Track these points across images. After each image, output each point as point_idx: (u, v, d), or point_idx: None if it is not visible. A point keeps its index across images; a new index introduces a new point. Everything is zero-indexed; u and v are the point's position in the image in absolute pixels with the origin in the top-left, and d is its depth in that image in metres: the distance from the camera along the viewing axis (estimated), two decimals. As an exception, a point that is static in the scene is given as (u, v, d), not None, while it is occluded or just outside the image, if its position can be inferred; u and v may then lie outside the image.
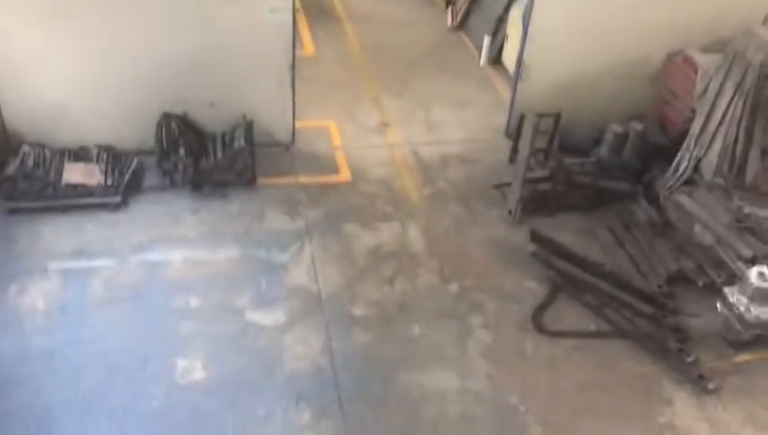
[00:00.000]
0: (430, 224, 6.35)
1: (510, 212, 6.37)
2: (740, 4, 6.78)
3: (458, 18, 9.55)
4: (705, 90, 6.15)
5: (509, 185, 6.42)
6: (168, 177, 6.38)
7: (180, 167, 6.29)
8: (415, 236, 6.21)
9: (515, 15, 8.12)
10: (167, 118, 6.41)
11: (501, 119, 7.53)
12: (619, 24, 6.89)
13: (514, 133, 6.93)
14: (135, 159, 6.44)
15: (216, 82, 6.56)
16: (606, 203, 6.50)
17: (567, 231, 6.28)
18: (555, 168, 6.46)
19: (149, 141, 6.47)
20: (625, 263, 5.96)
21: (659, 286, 5.64)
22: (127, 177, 6.30)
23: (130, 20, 6.10)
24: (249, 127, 6.51)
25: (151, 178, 6.46)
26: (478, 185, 6.84)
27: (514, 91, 7.25)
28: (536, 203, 6.42)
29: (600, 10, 6.84)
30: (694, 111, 6.42)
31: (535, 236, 6.01)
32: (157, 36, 6.21)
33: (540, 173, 6.54)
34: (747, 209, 5.76)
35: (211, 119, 6.65)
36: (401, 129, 7.60)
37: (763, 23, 6.66)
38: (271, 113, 6.82)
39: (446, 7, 9.88)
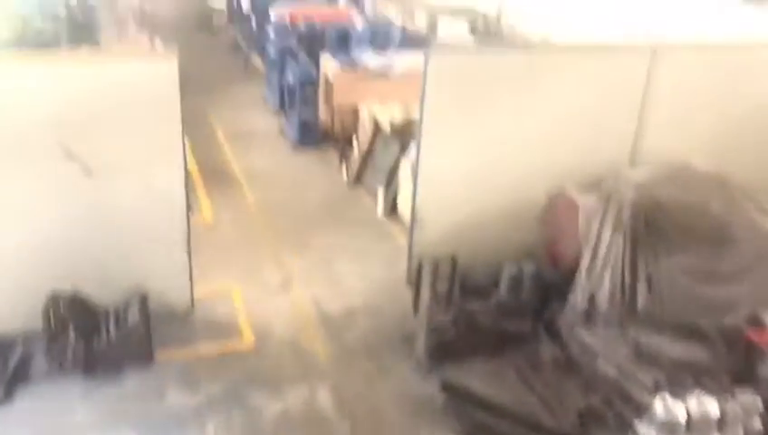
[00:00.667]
0: (340, 383, 6.19)
1: (418, 362, 6.31)
2: (607, 146, 7.36)
3: (353, 173, 9.90)
4: (589, 228, 6.49)
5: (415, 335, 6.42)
6: (57, 361, 6.01)
7: (70, 350, 5.95)
8: (324, 398, 6.01)
9: (405, 167, 8.50)
10: (54, 298, 6.12)
11: (401, 267, 7.65)
12: (502, 167, 7.28)
13: (415, 281, 7.02)
14: (20, 346, 6.06)
15: (107, 254, 6.39)
16: (511, 343, 6.57)
17: (477, 376, 6.26)
18: (457, 313, 6.53)
19: (36, 321, 6.12)
20: (535, 403, 5.95)
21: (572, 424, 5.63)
22: (11, 366, 5.88)
23: (9, 190, 5.92)
24: (143, 300, 6.30)
25: (39, 364, 6.06)
26: (386, 337, 6.80)
27: (411, 239, 7.41)
28: (444, 350, 6.41)
29: (482, 156, 7.22)
30: (581, 247, 6.73)
31: (446, 386, 5.94)
32: (40, 208, 6.04)
33: (443, 319, 6.58)
34: (643, 339, 5.94)
35: (103, 293, 6.40)
36: (304, 286, 7.57)
37: (629, 163, 7.23)
38: (167, 283, 6.65)
39: (341, 163, 10.25)
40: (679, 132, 7.43)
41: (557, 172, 7.31)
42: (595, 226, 6.42)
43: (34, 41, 10.86)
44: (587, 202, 6.78)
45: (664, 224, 6.24)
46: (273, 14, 13.92)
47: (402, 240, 8.33)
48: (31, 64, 6.02)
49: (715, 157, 7.24)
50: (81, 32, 12.82)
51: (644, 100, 7.26)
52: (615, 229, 6.21)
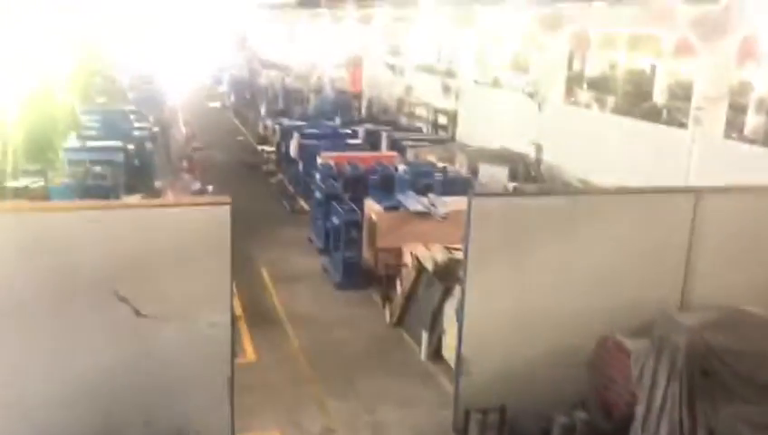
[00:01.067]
0: None
1: None
2: (655, 289, 7.23)
3: (396, 315, 9.86)
4: (641, 375, 6.26)
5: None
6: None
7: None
8: None
9: (450, 310, 8.44)
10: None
11: (447, 415, 7.40)
12: (549, 312, 7.18)
13: (462, 430, 6.76)
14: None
15: (151, 395, 6.34)
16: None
17: None
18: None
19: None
20: None
21: None
22: None
23: (50, 330, 5.98)
24: (185, 446, 6.17)
25: None
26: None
27: (457, 386, 7.22)
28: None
29: (528, 300, 7.15)
30: (634, 394, 6.47)
31: None
32: (84, 352, 6.06)
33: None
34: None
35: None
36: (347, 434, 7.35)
37: (680, 306, 7.07)
38: (209, 427, 6.54)
39: (384, 305, 10.25)
40: (730, 276, 7.28)
41: (605, 316, 7.17)
42: (648, 373, 6.19)
43: (94, 186, 11.45)
44: (638, 348, 6.58)
45: (721, 371, 5.99)
46: (320, 159, 14.53)
47: (447, 386, 8.12)
48: (89, 211, 6.31)
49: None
50: (138, 177, 13.52)
51: (691, 243, 7.20)
52: (670, 377, 5.98)
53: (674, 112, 20.44)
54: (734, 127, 18.85)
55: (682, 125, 12.85)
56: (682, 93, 23.20)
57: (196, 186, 13.28)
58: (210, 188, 12.89)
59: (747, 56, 20.91)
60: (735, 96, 20.62)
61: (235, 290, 7.48)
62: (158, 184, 14.27)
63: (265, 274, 11.83)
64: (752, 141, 17.99)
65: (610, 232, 7.10)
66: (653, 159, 12.02)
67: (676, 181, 10.82)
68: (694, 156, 11.09)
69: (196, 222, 6.35)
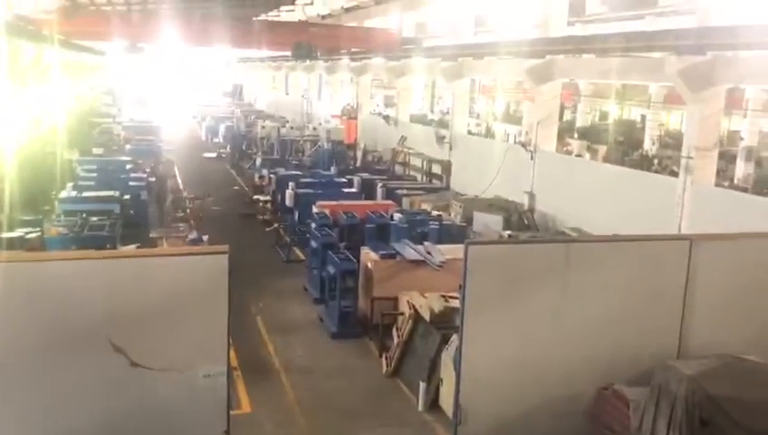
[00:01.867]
0: None
1: None
2: (653, 336, 7.22)
3: (392, 364, 9.79)
4: (641, 424, 6.22)
5: None
6: None
7: None
8: None
9: (447, 359, 8.39)
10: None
11: (446, 467, 7.31)
12: (547, 361, 7.14)
13: (461, 483, 6.66)
14: None
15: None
16: None
17: None
18: None
19: None
20: None
21: None
22: None
23: (44, 381, 5.88)
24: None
25: None
26: None
27: (455, 436, 7.15)
28: None
29: (525, 348, 7.13)
30: (634, 446, 6.41)
31: None
32: (78, 402, 5.98)
33: None
34: None
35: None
36: (343, 487, 7.23)
37: (678, 354, 7.05)
38: (204, 480, 6.42)
39: (380, 355, 10.18)
40: (726, 323, 7.29)
41: (603, 365, 7.14)
42: (647, 422, 6.16)
43: (90, 236, 11.47)
44: (637, 397, 6.55)
45: (720, 421, 5.96)
46: (315, 208, 14.61)
47: (445, 436, 8.03)
48: (86, 261, 6.30)
49: (766, 349, 7.05)
50: (134, 227, 13.56)
51: (686, 290, 7.22)
52: (669, 426, 5.94)
53: (664, 161, 20.78)
54: (724, 175, 19.16)
55: (673, 173, 13.03)
56: (672, 143, 23.63)
57: (192, 235, 13.29)
58: (206, 237, 12.91)
59: (734, 107, 21.35)
60: (725, 145, 20.99)
61: (230, 340, 7.43)
62: (153, 234, 14.31)
63: (261, 323, 11.76)
64: (742, 189, 18.26)
65: (606, 280, 7.13)
66: (645, 207, 12.13)
67: (669, 229, 10.92)
68: (686, 204, 11.21)
69: (194, 271, 6.35)
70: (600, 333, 7.14)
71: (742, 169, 20.93)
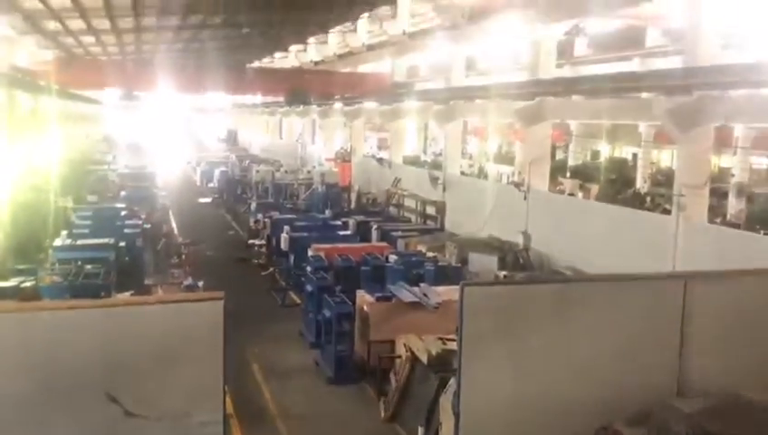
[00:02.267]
0: None
1: None
2: (651, 375, 7.18)
3: (391, 409, 9.68)
4: (642, 465, 6.13)
5: None
6: None
7: None
8: None
9: (445, 403, 8.31)
10: None
11: None
12: (546, 402, 7.06)
13: None
14: None
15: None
16: None
17: None
18: None
19: None
20: None
21: None
22: None
23: (38, 432, 5.81)
24: None
25: None
26: None
27: (456, 482, 7.03)
28: None
29: (524, 390, 7.04)
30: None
31: None
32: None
33: None
34: None
35: None
36: None
37: (676, 392, 7.00)
38: None
39: (378, 399, 10.07)
40: (723, 359, 7.25)
41: (602, 404, 7.07)
42: (650, 463, 6.08)
43: (85, 284, 11.41)
44: (637, 436, 6.48)
45: (722, 459, 5.89)
46: (311, 251, 14.60)
47: (445, 481, 7.89)
48: (80, 310, 6.27)
49: (766, 386, 7.01)
50: (129, 274, 13.50)
51: (683, 328, 7.20)
52: (671, 467, 5.86)
53: (657, 199, 20.93)
54: (717, 212, 19.29)
55: (665, 211, 13.11)
56: (664, 180, 23.84)
57: (187, 281, 13.26)
58: (201, 283, 12.87)
59: (724, 144, 21.61)
60: (717, 182, 21.20)
61: (226, 387, 7.37)
62: (148, 281, 14.26)
63: (256, 369, 11.65)
64: (735, 225, 18.37)
65: (603, 319, 7.11)
66: (639, 244, 12.18)
67: (663, 266, 10.94)
68: (679, 241, 11.26)
69: (188, 318, 6.31)
70: (598, 372, 7.09)
71: (734, 206, 21.10)
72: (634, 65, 23.84)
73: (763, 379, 7.17)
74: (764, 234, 16.19)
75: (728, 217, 20.39)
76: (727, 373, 7.18)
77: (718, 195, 20.76)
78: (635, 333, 7.17)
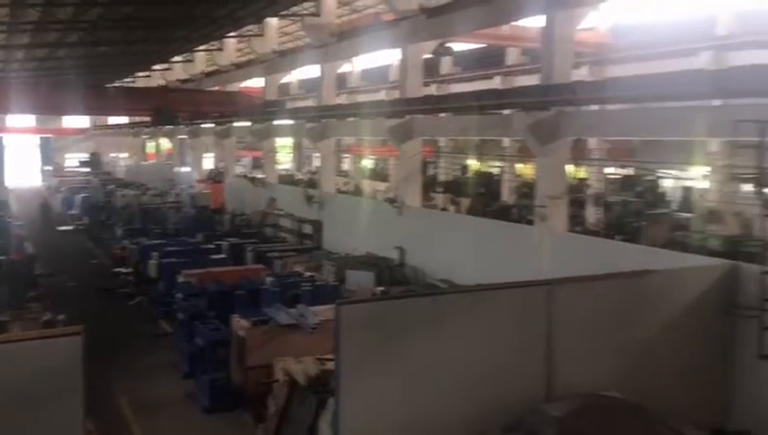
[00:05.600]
0: None
1: None
2: (522, 381, 7.43)
3: (270, 435, 9.44)
4: (516, 470, 6.31)
5: None
6: None
7: None
8: None
9: (324, 424, 8.20)
10: None
11: None
12: (425, 414, 7.13)
13: None
14: None
15: None
16: None
17: None
18: None
19: None
20: None
21: None
22: None
23: None
24: None
25: None
26: None
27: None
28: None
29: (404, 405, 7.09)
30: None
31: None
32: None
33: None
34: None
35: None
36: None
37: (546, 396, 7.29)
38: None
39: (256, 426, 9.79)
40: (588, 361, 7.66)
41: (477, 413, 7.23)
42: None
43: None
44: (512, 443, 6.67)
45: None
46: (181, 277, 14.05)
47: (327, 505, 7.76)
48: None
49: (626, 383, 7.44)
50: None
51: (549, 333, 7.53)
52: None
53: (522, 211, 21.93)
54: (577, 221, 20.47)
55: (530, 222, 13.72)
56: (528, 192, 25.03)
57: (46, 316, 12.35)
58: (61, 317, 12.03)
59: (580, 157, 23.00)
60: (576, 193, 22.49)
61: (91, 426, 6.90)
62: (2, 317, 13.16)
63: (125, 405, 11.01)
64: (594, 233, 19.54)
65: (475, 329, 7.30)
66: (508, 255, 12.66)
67: (531, 275, 11.40)
68: (543, 250, 11.81)
69: (44, 356, 5.88)
70: (473, 382, 7.26)
71: (592, 214, 22.48)
72: (495, 83, 25.01)
73: (625, 377, 7.62)
74: (620, 240, 17.35)
75: (587, 225, 21.70)
76: (592, 374, 7.57)
77: (578, 205, 22.07)
78: (506, 340, 7.42)
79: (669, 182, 24.11)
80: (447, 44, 17.22)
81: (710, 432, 7.09)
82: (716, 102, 10.71)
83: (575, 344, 7.62)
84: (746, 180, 7.64)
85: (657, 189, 23.90)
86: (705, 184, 20.29)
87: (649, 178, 24.00)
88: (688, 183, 22.67)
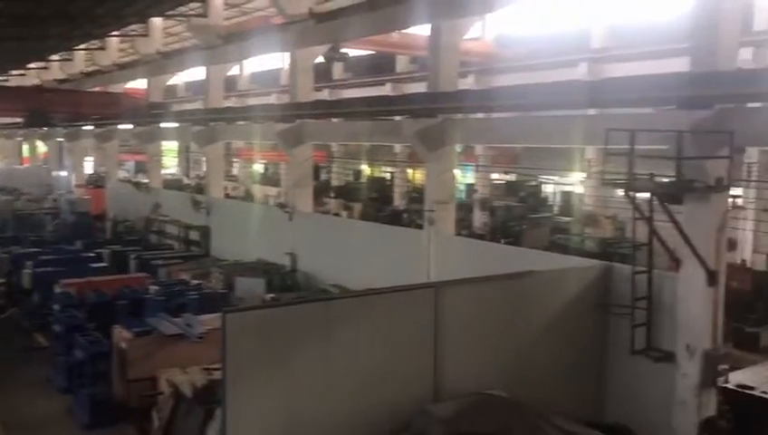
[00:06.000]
0: None
1: None
2: (411, 383, 7.52)
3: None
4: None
5: None
6: None
7: None
8: None
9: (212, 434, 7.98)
10: None
11: None
12: (315, 421, 7.08)
13: None
14: None
15: None
16: None
17: None
18: None
19: None
20: None
21: None
22: None
23: None
24: None
25: None
26: None
27: None
28: None
29: (293, 413, 6.99)
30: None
31: None
32: None
33: None
34: None
35: None
36: None
37: (434, 397, 7.43)
38: None
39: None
40: (475, 362, 7.87)
41: (368, 417, 7.26)
42: (411, 469, 6.34)
43: None
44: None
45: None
46: (59, 287, 13.30)
47: None
48: None
49: (511, 381, 7.70)
50: None
51: (436, 335, 7.68)
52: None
53: (413, 215, 22.32)
54: (465, 225, 21.05)
55: (419, 226, 13.96)
56: (419, 197, 25.53)
57: None
58: None
59: (469, 162, 23.64)
60: (466, 197, 23.11)
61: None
62: None
63: (-3, 425, 10.29)
64: (481, 236, 20.16)
65: (365, 333, 7.34)
66: (399, 259, 12.82)
67: (421, 278, 11.61)
68: (431, 253, 12.05)
69: None
70: (363, 386, 7.29)
71: (479, 218, 23.19)
72: (388, 90, 25.32)
73: (509, 375, 7.89)
74: (505, 242, 17.99)
75: (474, 228, 22.36)
76: (478, 374, 7.79)
77: (466, 209, 22.71)
78: (395, 343, 7.50)
79: (550, 187, 25.28)
80: (343, 50, 17.22)
81: (586, 425, 7.44)
82: (592, 112, 11.30)
83: (461, 345, 7.81)
84: (618, 186, 8.08)
85: (538, 194, 24.99)
86: (582, 189, 21.41)
87: (532, 183, 25.06)
88: (567, 188, 23.86)
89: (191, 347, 10.44)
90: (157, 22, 23.18)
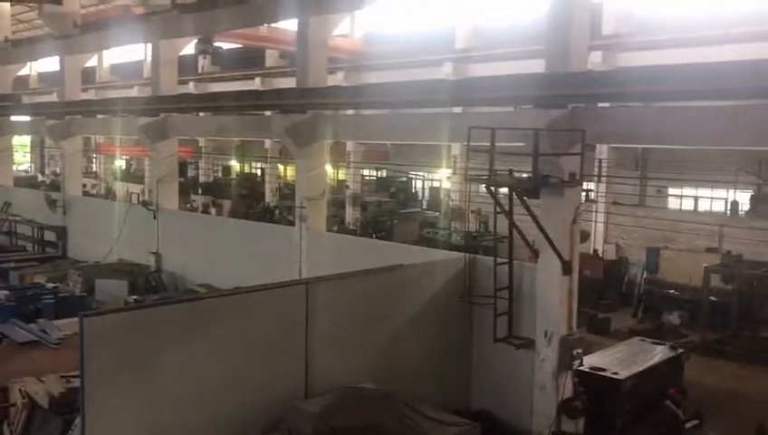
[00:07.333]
0: None
1: None
2: (283, 381, 7.47)
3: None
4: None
5: None
6: None
7: None
8: None
9: (71, 447, 7.54)
10: None
11: None
12: (186, 425, 6.86)
13: None
14: None
15: None
16: None
17: None
18: None
19: None
20: None
21: None
22: None
23: None
24: None
25: None
26: None
27: None
28: None
29: (159, 416, 6.74)
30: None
31: None
32: None
33: None
34: None
35: None
36: None
37: (305, 394, 7.41)
38: None
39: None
40: (346, 356, 7.93)
41: (239, 416, 7.12)
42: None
43: None
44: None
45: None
46: None
47: None
48: None
49: (382, 373, 7.82)
50: None
51: (308, 331, 7.66)
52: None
53: (284, 211, 22.14)
54: (337, 220, 21.15)
55: (291, 222, 13.86)
56: (290, 193, 25.37)
57: None
58: None
59: (340, 159, 23.75)
60: (336, 193, 23.21)
61: None
62: None
63: None
64: (353, 231, 20.32)
65: (235, 331, 7.20)
66: (270, 256, 12.66)
67: (293, 274, 11.54)
68: (303, 249, 12.00)
69: None
70: (233, 386, 7.15)
71: (351, 214, 23.37)
72: (257, 84, 24.92)
73: (381, 367, 8.01)
74: (376, 237, 18.26)
75: (346, 223, 22.51)
76: (349, 368, 7.85)
77: (338, 205, 22.80)
78: (265, 342, 7.41)
79: (419, 183, 25.90)
80: (216, 43, 16.68)
81: (454, 413, 7.70)
82: (457, 110, 11.66)
83: (333, 340, 7.85)
84: (480, 181, 8.40)
85: (408, 190, 25.54)
86: (449, 185, 22.10)
87: (402, 179, 25.57)
88: (435, 184, 24.55)
89: (48, 354, 9.85)
90: (5, 7, 21.50)
